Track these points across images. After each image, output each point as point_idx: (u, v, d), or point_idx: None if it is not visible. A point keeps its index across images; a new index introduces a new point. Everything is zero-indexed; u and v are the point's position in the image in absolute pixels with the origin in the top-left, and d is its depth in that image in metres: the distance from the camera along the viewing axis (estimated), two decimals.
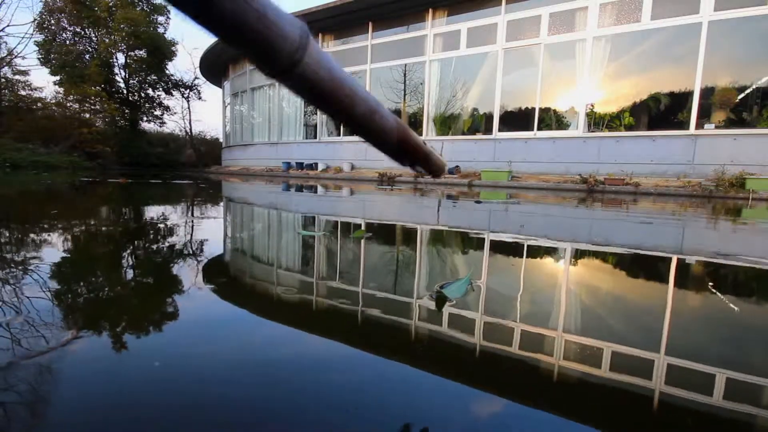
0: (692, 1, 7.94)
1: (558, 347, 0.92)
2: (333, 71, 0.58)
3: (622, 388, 0.75)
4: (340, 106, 0.60)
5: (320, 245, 2.19)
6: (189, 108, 26.97)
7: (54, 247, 1.91)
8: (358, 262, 1.77)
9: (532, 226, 3.12)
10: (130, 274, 1.52)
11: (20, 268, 1.50)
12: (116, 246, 2.01)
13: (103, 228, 2.50)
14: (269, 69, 0.53)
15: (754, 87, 8.28)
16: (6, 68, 18.54)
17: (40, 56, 20.16)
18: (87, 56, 21.46)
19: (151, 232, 2.35)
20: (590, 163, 8.98)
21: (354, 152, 13.08)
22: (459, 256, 2.00)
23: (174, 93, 26.25)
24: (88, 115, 20.20)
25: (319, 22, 13.12)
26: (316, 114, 14.53)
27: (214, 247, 2.00)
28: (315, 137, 14.47)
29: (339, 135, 13.88)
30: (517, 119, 10.61)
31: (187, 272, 1.49)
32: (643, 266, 1.94)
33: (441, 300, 1.19)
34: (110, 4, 21.36)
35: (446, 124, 11.69)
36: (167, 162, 23.29)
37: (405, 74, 12.66)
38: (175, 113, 31.76)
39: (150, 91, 25.44)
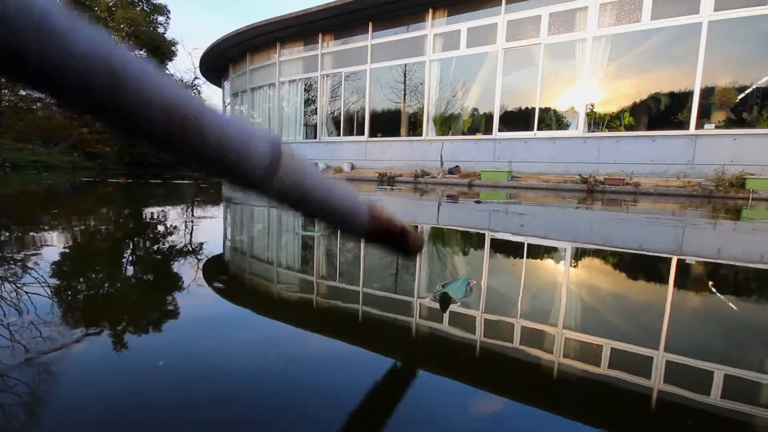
0: (692, 1, 7.95)
1: (558, 345, 0.92)
2: (307, 177, 0.62)
3: (622, 386, 0.76)
4: (315, 207, 0.65)
5: (320, 245, 2.19)
6: None
7: (55, 246, 1.91)
8: (357, 263, 1.77)
9: (532, 225, 3.12)
10: (131, 272, 1.52)
11: (21, 266, 1.50)
12: (117, 245, 2.01)
13: (103, 228, 2.50)
14: (243, 186, 0.58)
15: (754, 87, 8.28)
16: None
17: None
18: None
19: (151, 231, 2.35)
20: (590, 163, 8.98)
21: (354, 152, 13.09)
22: (458, 256, 2.00)
23: None
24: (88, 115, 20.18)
25: (319, 22, 13.12)
26: (316, 114, 14.54)
27: (213, 247, 2.00)
28: (315, 137, 14.48)
29: (339, 135, 13.89)
30: (517, 119, 10.60)
31: (186, 271, 1.50)
32: (643, 266, 1.94)
33: (445, 300, 1.14)
34: (110, 4, 21.37)
35: (446, 124, 11.69)
36: (167, 162, 23.28)
37: (405, 74, 12.66)
38: None
39: None
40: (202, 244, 2.02)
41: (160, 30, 23.85)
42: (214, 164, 0.51)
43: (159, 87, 0.43)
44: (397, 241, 0.82)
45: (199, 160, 0.50)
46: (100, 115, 0.42)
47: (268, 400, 0.68)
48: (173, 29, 45.87)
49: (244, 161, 0.52)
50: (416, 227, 2.89)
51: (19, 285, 1.28)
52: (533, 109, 9.99)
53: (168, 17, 24.20)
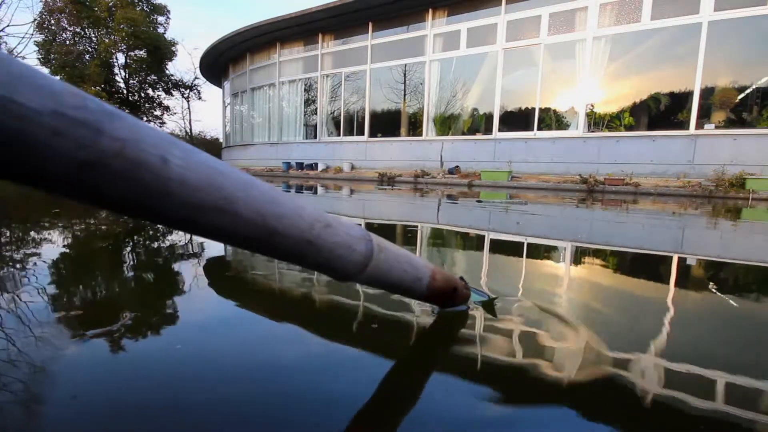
0: (692, 1, 7.95)
1: (558, 344, 0.92)
2: (394, 259, 0.75)
3: (621, 386, 0.76)
4: (402, 282, 0.80)
5: None
6: (189, 108, 27.05)
7: (60, 246, 1.91)
8: None
9: (532, 225, 3.12)
10: (132, 271, 1.52)
11: (19, 266, 1.50)
12: (118, 245, 2.01)
13: (103, 227, 2.50)
14: (340, 279, 0.71)
15: (754, 87, 8.28)
16: None
17: (40, 56, 20.18)
18: (87, 56, 21.46)
19: (151, 230, 2.35)
20: (590, 163, 8.98)
21: (354, 152, 13.08)
22: (470, 254, 2.00)
23: (174, 93, 26.27)
24: None
25: (319, 22, 13.12)
26: (316, 114, 14.54)
27: (207, 245, 2.00)
28: (315, 137, 14.47)
29: (339, 135, 13.89)
30: (517, 119, 10.61)
31: (181, 267, 1.50)
32: (643, 266, 1.94)
33: (488, 305, 1.12)
34: (110, 4, 21.36)
35: (446, 124, 11.69)
36: None
37: (405, 74, 12.66)
38: (175, 113, 31.81)
39: (150, 92, 25.46)
40: (202, 243, 2.02)
41: (160, 30, 23.85)
42: (317, 267, 0.64)
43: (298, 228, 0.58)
44: (449, 298, 0.92)
45: (308, 264, 0.63)
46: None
47: (271, 398, 0.68)
48: (173, 29, 45.78)
49: (342, 264, 0.64)
50: (417, 227, 2.89)
51: (14, 287, 1.28)
52: (533, 109, 9.99)
53: (168, 17, 24.20)
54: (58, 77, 20.34)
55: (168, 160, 0.44)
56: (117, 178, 0.41)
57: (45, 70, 20.24)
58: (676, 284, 1.58)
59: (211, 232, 0.51)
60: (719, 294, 1.39)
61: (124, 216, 0.44)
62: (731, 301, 1.30)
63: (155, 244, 2.04)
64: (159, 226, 1.93)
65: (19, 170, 0.38)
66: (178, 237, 2.16)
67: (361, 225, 0.59)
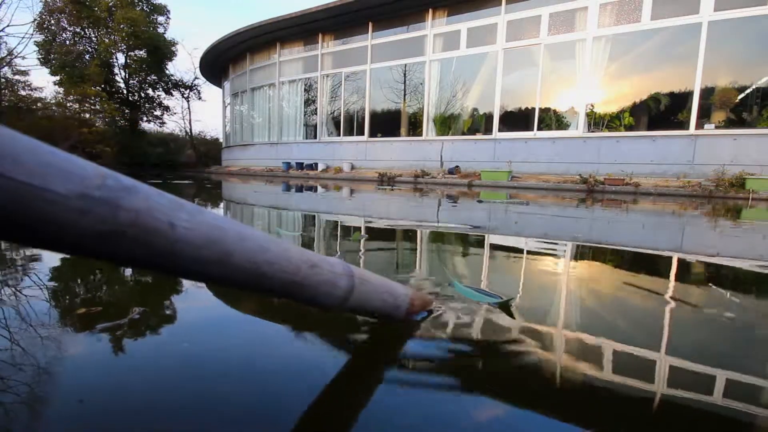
0: (692, 1, 7.94)
1: (558, 346, 0.92)
2: (373, 290, 0.86)
3: (623, 387, 0.76)
4: (383, 309, 0.90)
5: (320, 243, 2.19)
6: (189, 108, 26.91)
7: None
8: (357, 263, 1.77)
9: (533, 225, 3.12)
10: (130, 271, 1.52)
11: (20, 269, 1.50)
12: None
13: None
14: (325, 310, 0.80)
15: (754, 87, 8.28)
16: (6, 68, 18.52)
17: (40, 56, 20.14)
18: (87, 56, 21.44)
19: None
20: (590, 163, 8.98)
21: (354, 152, 13.08)
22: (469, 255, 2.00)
23: (174, 93, 26.22)
24: (88, 116, 20.18)
25: (319, 22, 13.12)
26: (316, 114, 14.54)
27: None
28: (315, 137, 14.47)
29: (339, 135, 13.88)
30: (517, 119, 10.60)
31: None
32: (643, 266, 1.94)
33: (505, 306, 1.13)
34: (110, 4, 21.33)
35: (446, 124, 11.68)
36: (167, 162, 23.26)
37: (405, 74, 12.65)
38: (175, 113, 31.74)
39: (150, 92, 25.42)
40: None
41: (160, 30, 23.82)
42: (304, 302, 0.74)
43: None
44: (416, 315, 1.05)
45: (296, 299, 0.72)
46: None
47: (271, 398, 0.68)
48: (173, 29, 45.77)
49: (326, 299, 0.75)
50: (418, 229, 2.89)
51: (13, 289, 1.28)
52: (533, 109, 9.99)
53: (168, 17, 24.17)
54: (58, 77, 20.34)
55: (175, 224, 0.51)
56: (131, 244, 0.48)
57: (45, 70, 20.10)
58: (675, 282, 1.58)
59: (212, 280, 0.60)
60: (720, 289, 1.39)
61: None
62: (732, 299, 1.30)
63: None
64: None
65: (44, 240, 0.44)
66: None
67: (343, 261, 0.71)
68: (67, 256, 1.78)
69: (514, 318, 1.05)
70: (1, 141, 0.39)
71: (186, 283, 1.34)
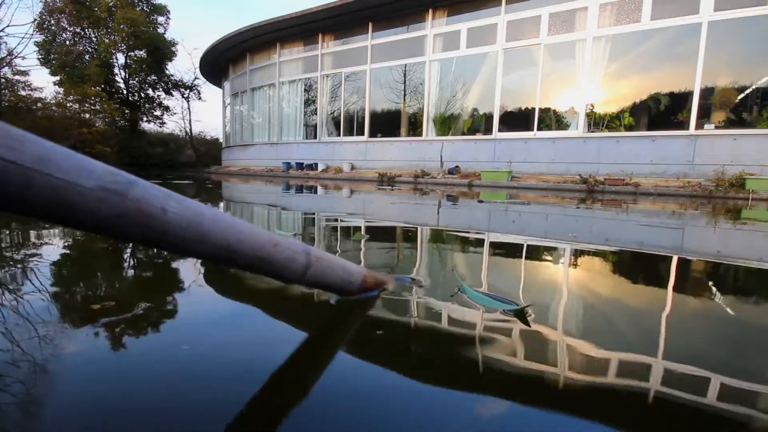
0: (692, 1, 7.94)
1: (559, 347, 0.92)
2: (328, 267, 1.01)
3: (622, 388, 0.76)
4: (337, 283, 1.07)
5: (320, 243, 2.19)
6: (189, 108, 26.90)
7: (55, 246, 1.91)
8: (356, 262, 1.77)
9: (533, 225, 3.12)
10: (132, 270, 1.52)
11: (21, 267, 1.50)
12: (118, 244, 2.02)
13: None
14: (287, 282, 0.97)
15: (754, 87, 8.28)
16: (6, 68, 18.51)
17: (40, 56, 20.13)
18: (87, 56, 21.44)
19: None
20: (590, 164, 8.98)
21: (354, 152, 13.08)
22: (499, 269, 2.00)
23: (174, 93, 26.21)
24: (88, 116, 20.16)
25: (319, 23, 13.12)
26: (316, 114, 14.54)
27: None
28: (315, 137, 14.47)
29: (339, 135, 13.88)
30: (517, 119, 10.60)
31: (180, 266, 1.50)
32: (643, 266, 1.94)
33: (520, 314, 1.09)
34: (110, 4, 21.33)
35: (446, 124, 11.68)
36: (167, 162, 23.26)
37: (405, 74, 12.65)
38: (175, 113, 31.70)
39: (150, 92, 25.42)
40: None
41: (160, 30, 23.82)
42: (269, 275, 0.90)
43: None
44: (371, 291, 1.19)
45: (262, 273, 0.88)
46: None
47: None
48: (173, 29, 45.74)
49: (287, 272, 0.90)
50: (417, 229, 2.89)
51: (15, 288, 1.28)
52: (533, 109, 9.99)
53: (168, 17, 24.17)
54: (58, 77, 20.32)
55: (166, 209, 0.66)
56: (134, 225, 0.64)
57: (45, 71, 20.06)
58: (674, 284, 1.58)
59: (193, 255, 0.76)
60: (719, 294, 1.39)
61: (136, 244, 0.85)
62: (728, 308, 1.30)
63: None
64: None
65: (75, 221, 0.60)
66: None
67: (302, 242, 1.03)
68: (68, 257, 1.79)
69: (529, 326, 1.02)
70: (48, 150, 0.56)
71: (186, 284, 1.34)
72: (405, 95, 12.81)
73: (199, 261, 1.61)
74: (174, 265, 1.62)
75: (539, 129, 9.89)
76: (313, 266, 0.94)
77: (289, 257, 0.88)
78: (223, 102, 21.09)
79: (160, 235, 0.66)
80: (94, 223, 0.60)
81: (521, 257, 2.00)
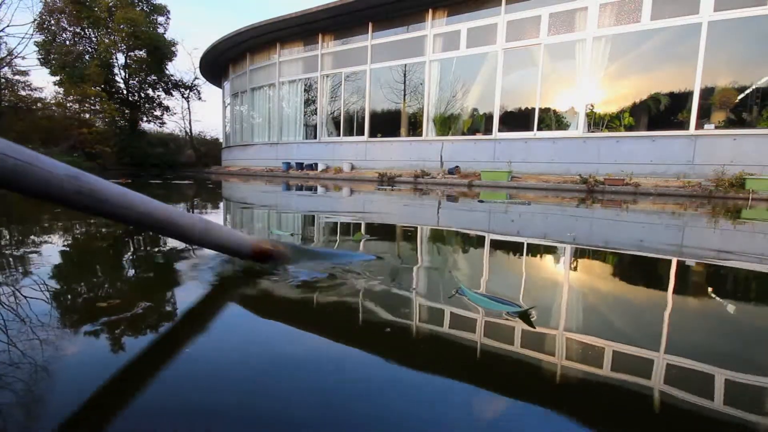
0: (692, 1, 7.94)
1: (559, 347, 0.92)
2: (218, 233, 1.35)
3: (623, 388, 0.76)
4: (228, 246, 1.40)
5: (318, 244, 2.19)
6: (189, 108, 26.87)
7: (54, 245, 1.91)
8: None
9: (533, 225, 3.12)
10: (134, 269, 1.52)
11: (20, 267, 1.50)
12: (119, 244, 2.01)
13: (104, 230, 2.50)
14: (187, 243, 1.59)
15: (754, 87, 8.27)
16: (6, 68, 18.51)
17: (40, 56, 20.11)
18: (87, 56, 21.43)
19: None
20: (590, 164, 8.98)
21: (354, 152, 13.08)
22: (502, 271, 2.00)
23: (174, 93, 26.18)
24: (88, 116, 20.16)
25: (319, 22, 13.12)
26: (316, 114, 14.53)
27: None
28: (315, 137, 14.47)
29: (339, 135, 13.88)
30: (517, 119, 10.60)
31: (180, 266, 1.50)
32: (643, 267, 1.94)
33: (524, 316, 1.09)
34: (110, 4, 21.31)
35: (446, 124, 11.68)
36: (167, 162, 23.24)
37: (405, 74, 12.65)
38: (175, 113, 31.64)
39: (150, 92, 25.38)
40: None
41: (160, 30, 23.78)
42: (174, 237, 1.28)
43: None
44: (268, 259, 1.48)
45: (168, 234, 1.26)
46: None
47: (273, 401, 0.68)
48: (173, 29, 45.61)
49: (186, 234, 1.26)
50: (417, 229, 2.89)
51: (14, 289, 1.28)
52: (533, 109, 9.99)
53: (168, 17, 24.13)
54: (58, 77, 20.31)
55: (106, 189, 1.04)
56: (86, 198, 1.01)
57: (45, 71, 20.03)
58: (674, 284, 1.58)
59: (121, 220, 1.13)
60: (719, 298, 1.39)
61: (87, 214, 1.07)
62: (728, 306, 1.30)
63: (155, 245, 2.03)
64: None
65: (48, 194, 0.95)
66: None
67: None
68: (68, 256, 1.79)
69: (534, 328, 1.01)
70: (29, 154, 0.91)
71: (184, 282, 1.34)
72: (405, 95, 12.81)
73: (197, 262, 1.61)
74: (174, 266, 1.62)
75: (539, 129, 9.89)
76: (209, 232, 1.29)
77: (188, 224, 1.24)
78: (223, 102, 21.08)
79: (102, 207, 1.04)
80: (60, 196, 0.96)
81: (521, 257, 2.00)
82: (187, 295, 1.24)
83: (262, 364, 0.80)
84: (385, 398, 0.69)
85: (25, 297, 1.16)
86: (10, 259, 1.65)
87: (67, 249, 1.93)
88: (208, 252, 1.65)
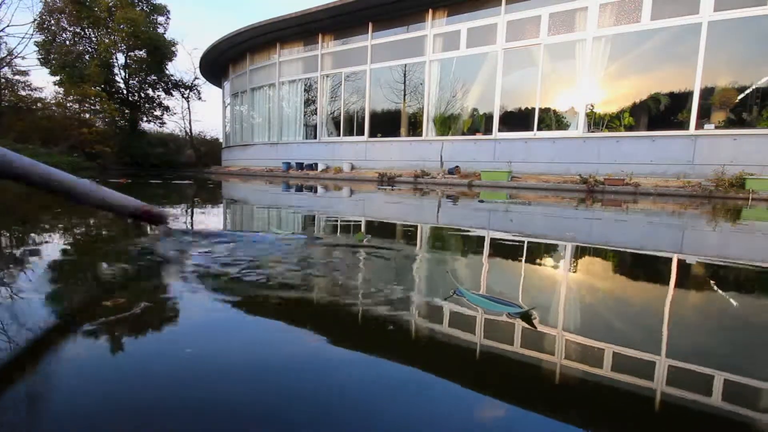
0: (692, 1, 7.95)
1: (559, 347, 0.92)
2: (110, 196, 1.73)
3: (623, 388, 0.76)
4: (118, 207, 1.78)
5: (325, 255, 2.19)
6: (189, 108, 26.86)
7: (55, 245, 1.91)
8: (357, 270, 1.77)
9: (533, 225, 3.12)
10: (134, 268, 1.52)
11: (19, 267, 1.51)
12: (119, 243, 2.01)
13: (104, 231, 2.50)
14: (80, 204, 1.76)
15: (754, 87, 8.27)
16: (6, 68, 18.51)
17: (40, 56, 20.12)
18: (87, 56, 21.43)
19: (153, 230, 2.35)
20: (590, 164, 8.98)
21: (354, 152, 13.08)
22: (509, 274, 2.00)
23: (174, 93, 26.19)
24: (88, 116, 20.16)
25: (319, 23, 13.11)
26: (316, 114, 14.53)
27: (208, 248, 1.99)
28: (315, 137, 14.47)
29: (339, 135, 13.88)
30: (517, 119, 10.60)
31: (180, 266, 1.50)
32: (643, 267, 1.94)
33: (526, 317, 1.08)
34: (110, 4, 21.31)
35: (446, 124, 11.68)
36: (167, 162, 23.24)
37: (405, 74, 12.65)
38: (175, 113, 31.62)
39: (150, 92, 25.39)
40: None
41: (160, 30, 23.80)
42: (72, 199, 1.65)
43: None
44: (154, 222, 1.84)
45: (60, 193, 1.60)
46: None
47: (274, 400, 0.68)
48: (173, 29, 45.56)
49: (81, 196, 1.63)
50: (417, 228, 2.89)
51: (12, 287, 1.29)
52: (533, 109, 9.99)
53: (168, 17, 24.15)
54: (58, 77, 20.30)
55: (33, 166, 1.49)
56: (17, 170, 1.46)
57: (45, 70, 20.03)
58: (674, 284, 1.58)
59: (30, 183, 1.50)
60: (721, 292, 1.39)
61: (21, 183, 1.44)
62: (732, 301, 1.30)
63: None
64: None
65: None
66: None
67: (90, 180, 1.66)
68: (69, 256, 1.79)
69: (536, 329, 1.01)
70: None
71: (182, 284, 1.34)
72: (405, 95, 12.81)
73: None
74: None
75: (539, 129, 9.89)
76: (100, 192, 1.65)
77: (83, 186, 1.60)
78: (223, 102, 21.08)
79: (29, 176, 1.44)
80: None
81: (521, 257, 2.00)
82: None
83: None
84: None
85: None
86: (11, 258, 1.65)
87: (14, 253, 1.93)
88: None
